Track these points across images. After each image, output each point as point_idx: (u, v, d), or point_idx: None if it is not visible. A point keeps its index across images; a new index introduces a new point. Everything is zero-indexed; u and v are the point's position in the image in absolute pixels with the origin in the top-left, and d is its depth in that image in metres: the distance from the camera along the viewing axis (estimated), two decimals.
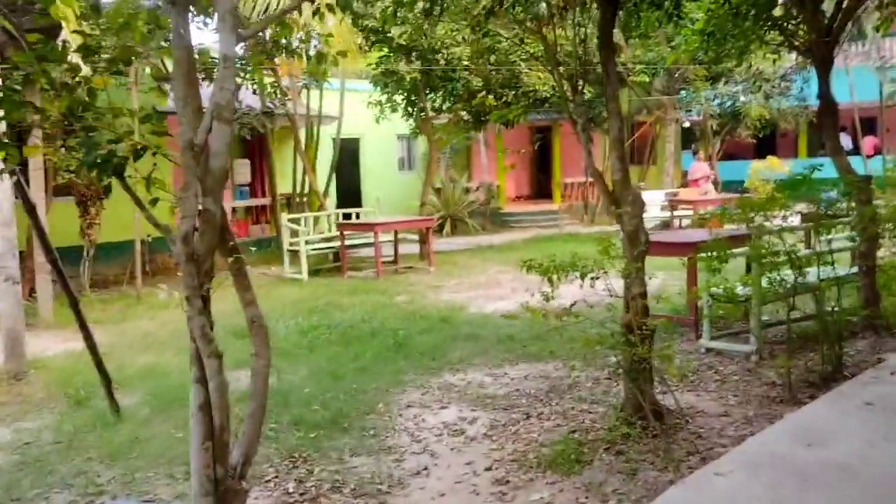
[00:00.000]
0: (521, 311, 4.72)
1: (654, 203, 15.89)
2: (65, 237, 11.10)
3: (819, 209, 6.20)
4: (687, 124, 21.28)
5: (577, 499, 3.72)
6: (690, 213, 15.82)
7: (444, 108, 14.48)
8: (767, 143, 23.47)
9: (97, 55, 2.48)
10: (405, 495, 3.93)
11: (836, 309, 5.62)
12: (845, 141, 22.88)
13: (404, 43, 12.42)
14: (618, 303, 4.73)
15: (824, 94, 6.88)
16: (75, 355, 6.76)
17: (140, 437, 4.82)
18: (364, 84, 16.02)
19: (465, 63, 12.49)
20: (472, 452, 4.47)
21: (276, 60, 13.54)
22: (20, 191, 4.65)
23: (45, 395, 5.88)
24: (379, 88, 14.18)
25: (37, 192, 8.76)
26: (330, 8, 3.41)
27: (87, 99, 2.35)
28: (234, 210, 15.54)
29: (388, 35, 12.23)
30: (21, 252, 9.78)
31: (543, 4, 5.11)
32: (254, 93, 13.58)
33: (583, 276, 4.26)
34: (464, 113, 14.29)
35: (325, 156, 15.83)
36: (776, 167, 18.13)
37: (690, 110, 19.94)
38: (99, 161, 2.21)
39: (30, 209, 4.66)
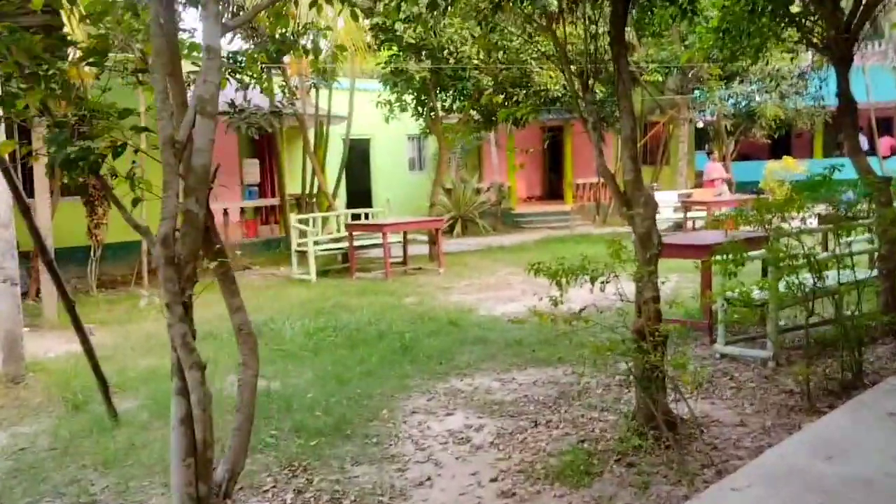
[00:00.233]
0: (529, 315, 4.57)
1: (666, 204, 15.67)
2: (72, 237, 11.05)
3: (839, 211, 6.02)
4: (701, 124, 21.04)
5: None
6: (704, 214, 15.60)
7: (454, 107, 14.33)
8: (782, 143, 23.18)
9: (72, 45, 2.35)
10: None
11: (855, 314, 5.44)
12: (861, 141, 22.59)
13: (414, 41, 12.29)
14: (629, 307, 4.56)
15: (843, 92, 6.69)
16: (76, 357, 6.64)
17: (136, 444, 4.69)
18: (374, 84, 15.89)
19: (475, 62, 12.33)
20: (478, 462, 4.32)
21: (286, 59, 13.46)
22: (14, 190, 4.53)
23: (44, 399, 5.77)
24: (388, 88, 14.04)
25: (42, 192, 8.66)
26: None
27: (59, 92, 2.23)
28: (242, 210, 15.47)
29: (398, 34, 12.10)
30: (29, 252, 9.73)
31: None
32: (261, 91, 13.47)
33: (593, 281, 4.09)
34: (474, 112, 14.13)
35: (335, 156, 15.74)
36: (792, 168, 17.89)
37: (704, 110, 19.70)
38: (72, 158, 2.08)
39: (24, 209, 4.55)
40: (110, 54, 2.56)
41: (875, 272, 6.57)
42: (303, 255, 12.30)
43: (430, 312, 8.69)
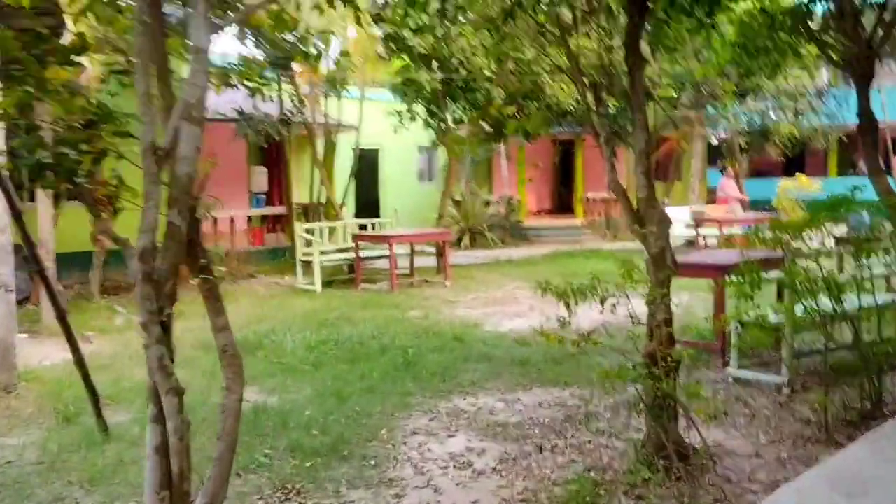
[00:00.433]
0: (536, 334, 4.39)
1: (678, 220, 15.46)
2: (76, 242, 10.93)
3: (860, 232, 5.82)
4: (714, 141, 20.83)
5: None
6: (716, 231, 15.39)
7: (465, 118, 14.19)
8: (796, 161, 22.95)
9: (46, 43, 2.21)
10: None
11: (876, 340, 5.24)
12: (866, 163, 22.32)
13: (425, 52, 12.17)
14: (639, 330, 4.37)
15: (864, 110, 6.48)
16: (72, 366, 6.47)
17: (125, 460, 4.52)
18: (385, 93, 15.79)
19: (487, 73, 12.19)
20: (479, 489, 4.13)
21: (295, 67, 13.37)
22: (6, 195, 4.40)
23: (35, 410, 5.62)
24: (399, 97, 13.92)
25: (44, 197, 8.54)
26: (329, 1, 3.11)
27: (34, 96, 2.08)
28: (249, 218, 15.35)
29: (409, 44, 11.99)
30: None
31: (566, 8, 4.79)
32: (252, 95, 13.37)
33: (603, 302, 3.91)
34: (484, 124, 13.99)
35: (344, 165, 15.61)
36: (806, 186, 17.64)
37: (717, 127, 19.50)
38: (42, 164, 1.94)
39: (16, 215, 4.41)
40: (100, 55, 2.42)
41: (894, 296, 6.35)
42: (308, 264, 12.15)
43: (435, 327, 8.51)
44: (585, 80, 4.83)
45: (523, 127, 7.38)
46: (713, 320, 6.28)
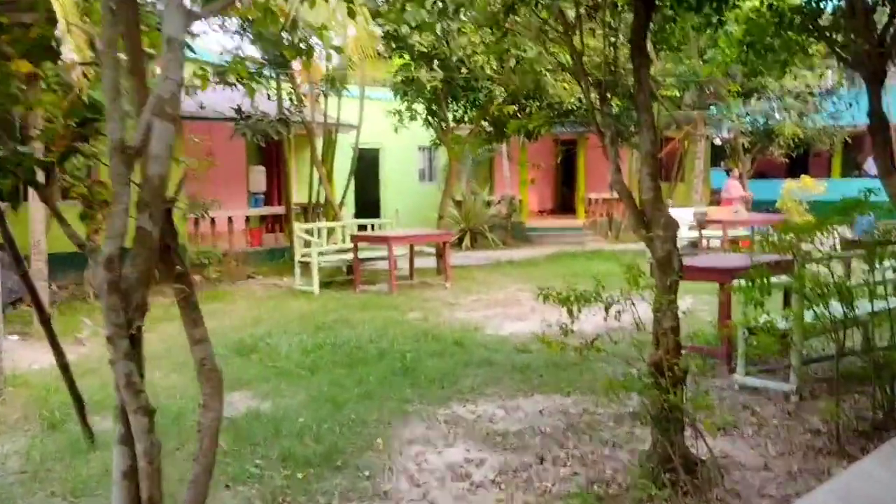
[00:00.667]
0: (537, 339, 4.23)
1: (681, 222, 15.27)
2: (71, 243, 10.78)
3: (869, 236, 5.66)
4: (718, 141, 20.64)
5: None
6: (720, 233, 15.20)
7: (466, 118, 14.01)
8: (800, 162, 22.75)
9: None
10: None
11: (888, 346, 5.06)
12: (876, 165, 22.11)
13: (426, 50, 12.00)
14: (644, 336, 4.21)
15: (875, 110, 6.30)
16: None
17: (111, 469, 4.35)
18: (385, 92, 15.61)
19: (488, 72, 12.01)
20: (478, 503, 3.97)
21: (294, 65, 13.21)
22: None
23: (21, 416, 5.46)
24: (399, 96, 13.75)
25: (36, 196, 8.38)
26: None
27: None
28: (247, 218, 15.19)
29: (409, 42, 11.82)
30: (27, 256, 9.48)
31: (569, 4, 4.62)
32: (269, 98, 13.22)
33: (607, 309, 3.75)
34: (485, 124, 13.82)
35: (344, 165, 15.45)
36: (810, 187, 17.46)
37: (721, 127, 19.32)
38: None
39: None
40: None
41: None
42: (306, 265, 11.99)
43: (435, 330, 8.35)
44: (589, 78, 4.67)
45: (524, 126, 7.20)
46: (719, 326, 6.12)
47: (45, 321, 4.32)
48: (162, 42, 1.91)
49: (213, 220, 13.95)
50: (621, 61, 5.11)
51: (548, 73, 11.74)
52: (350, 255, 12.34)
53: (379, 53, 13.20)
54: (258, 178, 16.45)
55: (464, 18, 8.65)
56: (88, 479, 4.24)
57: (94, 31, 5.50)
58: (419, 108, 14.09)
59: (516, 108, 12.40)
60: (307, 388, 6.07)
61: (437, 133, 14.71)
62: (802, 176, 18.51)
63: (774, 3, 6.51)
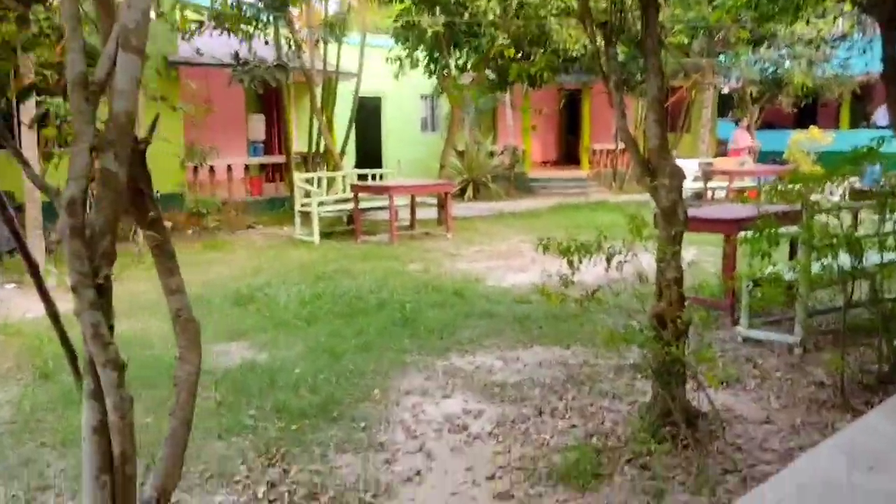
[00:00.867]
0: (537, 291, 4.13)
1: (687, 172, 15.05)
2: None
3: (877, 186, 5.51)
4: (726, 90, 20.24)
5: None
6: (725, 184, 15.01)
7: (468, 66, 13.71)
8: (808, 112, 22.35)
9: None
10: None
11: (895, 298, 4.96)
12: (881, 114, 21.74)
13: None
14: (647, 288, 4.10)
15: (890, 56, 6.08)
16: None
17: None
18: (386, 40, 15.27)
19: (491, 17, 11.68)
20: (474, 455, 3.91)
21: (293, 9, 12.89)
22: None
23: (13, 365, 5.39)
24: (399, 43, 13.42)
25: (30, 143, 8.21)
26: None
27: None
28: (247, 167, 15.02)
29: None
30: (22, 205, 9.34)
31: None
32: (266, 43, 12.91)
33: (609, 260, 3.63)
34: (488, 71, 13.51)
35: (345, 114, 15.18)
36: (818, 138, 17.19)
37: (729, 76, 18.90)
38: None
39: None
40: None
41: None
42: (306, 215, 11.86)
43: (435, 281, 8.26)
44: (595, 20, 4.46)
45: (527, 71, 6.97)
46: (723, 278, 6.01)
47: (34, 269, 4.21)
48: None
49: (212, 169, 13.78)
50: (628, 4, 4.90)
51: (552, 18, 11.41)
52: (351, 206, 12.20)
53: None
54: (257, 126, 16.21)
55: None
56: (79, 429, 4.17)
57: None
58: (420, 55, 13.78)
59: (520, 55, 12.08)
60: (305, 339, 6.00)
61: (439, 80, 14.42)
62: (810, 126, 18.20)
63: None
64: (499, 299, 7.32)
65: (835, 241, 4.58)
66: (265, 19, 12.13)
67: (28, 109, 8.13)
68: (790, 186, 4.69)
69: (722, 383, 4.38)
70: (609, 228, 3.98)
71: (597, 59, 4.49)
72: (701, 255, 8.94)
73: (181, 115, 12.75)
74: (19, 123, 8.79)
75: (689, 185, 15.48)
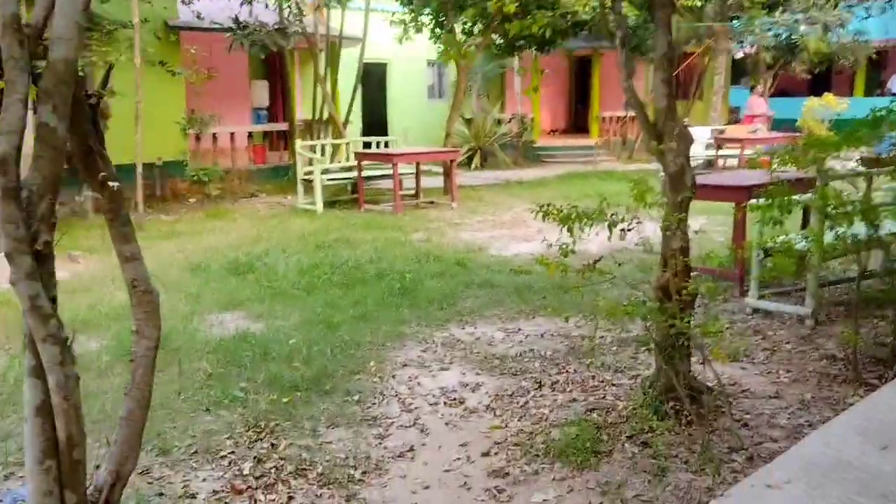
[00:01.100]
0: (539, 262, 3.95)
1: (699, 140, 14.76)
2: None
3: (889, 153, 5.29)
4: (740, 55, 19.80)
5: None
6: (737, 152, 14.71)
7: (475, 30, 13.38)
8: (822, 79, 21.89)
9: None
10: (381, 485, 3.24)
11: None
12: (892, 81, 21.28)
13: None
14: (651, 258, 3.92)
15: None
16: None
17: (89, 391, 4.17)
18: (391, 4, 14.93)
19: None
20: (470, 430, 3.77)
21: None
22: None
23: (2, 335, 5.28)
24: (404, 6, 13.10)
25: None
26: None
27: None
28: (250, 135, 14.81)
29: None
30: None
31: None
32: (266, 6, 12.63)
33: (611, 228, 3.45)
34: (495, 36, 13.19)
35: (350, 81, 14.91)
36: (832, 105, 16.83)
37: (742, 42, 18.46)
38: None
39: None
40: None
41: None
42: (309, 183, 11.67)
43: (437, 251, 8.09)
44: None
45: (528, 28, 6.71)
46: (733, 247, 5.82)
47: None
48: None
49: (214, 136, 13.59)
50: None
51: None
52: (354, 174, 12.01)
53: None
54: (261, 93, 15.97)
55: None
56: None
57: None
58: (425, 18, 13.46)
59: (524, 15, 11.70)
60: (301, 310, 5.86)
61: (445, 46, 14.10)
62: (825, 93, 17.82)
63: None
64: (501, 269, 7.14)
65: (850, 208, 4.38)
66: None
67: None
68: (804, 152, 4.47)
69: (735, 358, 4.21)
70: (616, 197, 3.78)
71: (605, 21, 4.27)
72: (709, 225, 8.73)
73: (182, 82, 12.54)
74: None
75: (701, 154, 15.21)
